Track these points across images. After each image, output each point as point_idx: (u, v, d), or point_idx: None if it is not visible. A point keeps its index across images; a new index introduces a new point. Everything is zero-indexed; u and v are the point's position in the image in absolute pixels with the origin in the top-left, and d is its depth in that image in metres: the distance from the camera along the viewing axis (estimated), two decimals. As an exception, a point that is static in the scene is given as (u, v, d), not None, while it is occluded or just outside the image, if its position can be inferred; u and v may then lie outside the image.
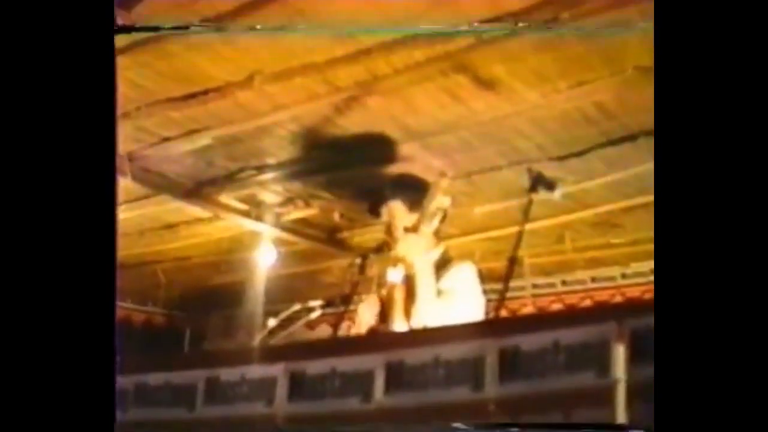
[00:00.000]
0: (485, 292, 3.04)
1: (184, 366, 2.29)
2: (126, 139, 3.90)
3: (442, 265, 3.07)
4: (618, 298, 5.65)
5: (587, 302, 5.82)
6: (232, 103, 3.62)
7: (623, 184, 4.34)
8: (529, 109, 3.62)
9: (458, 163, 4.17)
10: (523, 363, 1.69)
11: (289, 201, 4.84)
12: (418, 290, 2.94)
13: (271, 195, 4.77)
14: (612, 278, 5.79)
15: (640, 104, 3.27)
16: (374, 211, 3.23)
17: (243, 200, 4.83)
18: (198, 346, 7.11)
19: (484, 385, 1.72)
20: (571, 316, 2.29)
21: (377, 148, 4.02)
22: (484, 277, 3.09)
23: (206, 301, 6.93)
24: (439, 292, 2.97)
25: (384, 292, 3.14)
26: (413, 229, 3.01)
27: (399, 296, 3.00)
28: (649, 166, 3.15)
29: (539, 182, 2.89)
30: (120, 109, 3.50)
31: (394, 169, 4.08)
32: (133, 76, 3.36)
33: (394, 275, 3.01)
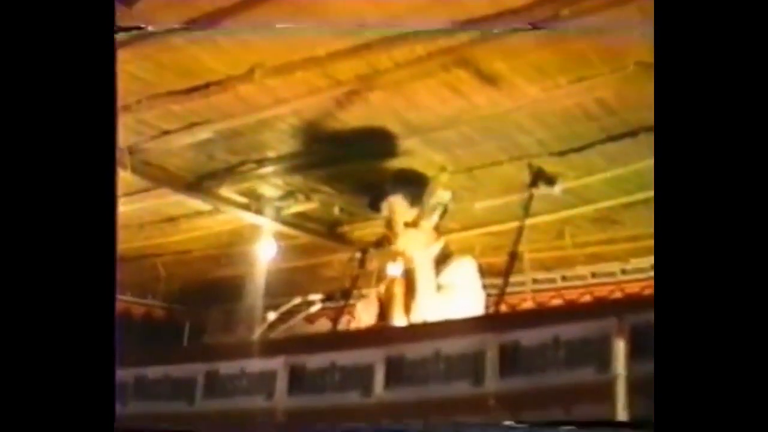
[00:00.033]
0: (485, 287, 3.04)
1: (184, 359, 2.29)
2: (126, 131, 3.90)
3: (442, 260, 3.07)
4: (618, 294, 5.65)
5: (587, 298, 5.82)
6: (233, 96, 3.61)
7: (623, 180, 4.34)
8: (530, 104, 3.62)
9: (459, 158, 4.17)
10: (524, 358, 1.69)
11: (289, 195, 4.84)
12: (418, 285, 2.95)
13: (271, 189, 4.76)
14: (612, 274, 5.79)
15: (641, 100, 3.27)
16: (375, 206, 3.24)
17: (243, 194, 4.82)
18: (198, 340, 7.11)
19: (484, 380, 1.72)
20: (572, 312, 2.29)
21: (378, 142, 4.02)
22: (484, 272, 3.09)
23: (206, 294, 6.93)
24: (439, 287, 2.98)
25: (382, 290, 3.15)
26: (413, 223, 3.01)
27: (399, 291, 3.01)
28: (650, 162, 3.17)
29: (540, 177, 2.89)
30: (120, 101, 3.50)
31: (395, 163, 4.09)
32: (134, 68, 3.36)
33: (394, 270, 3.02)
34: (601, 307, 2.43)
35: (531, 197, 2.87)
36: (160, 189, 4.64)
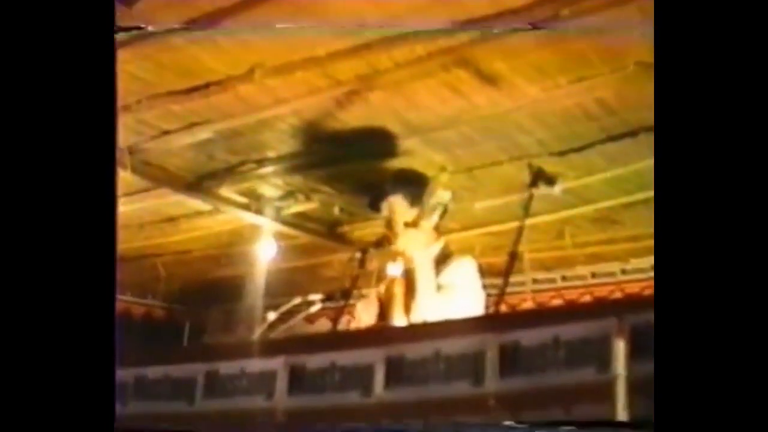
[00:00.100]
0: (485, 287, 3.04)
1: (184, 359, 2.29)
2: (126, 131, 3.90)
3: (442, 260, 3.07)
4: (617, 294, 5.65)
5: (587, 298, 5.82)
6: (233, 96, 3.61)
7: (623, 180, 4.34)
8: (530, 104, 3.62)
9: (459, 158, 4.17)
10: (524, 358, 1.69)
11: (289, 195, 4.84)
12: (418, 285, 2.95)
13: (271, 188, 4.76)
14: (612, 274, 5.79)
15: (641, 100, 3.27)
16: (375, 206, 3.24)
17: (243, 194, 4.82)
18: (198, 340, 7.11)
19: (484, 380, 1.72)
20: (572, 312, 2.29)
21: (378, 142, 4.02)
22: (484, 272, 3.09)
23: (206, 294, 6.93)
24: (439, 287, 2.97)
25: (382, 290, 3.15)
26: (413, 223, 3.01)
27: (399, 291, 3.01)
28: (650, 162, 3.17)
29: (540, 177, 2.89)
30: (120, 101, 3.50)
31: (395, 163, 4.09)
32: (134, 68, 3.36)
33: (394, 270, 3.02)
34: (601, 307, 2.43)
35: (531, 197, 2.87)
36: (160, 189, 4.64)
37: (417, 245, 3.01)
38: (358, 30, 3.06)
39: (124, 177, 4.09)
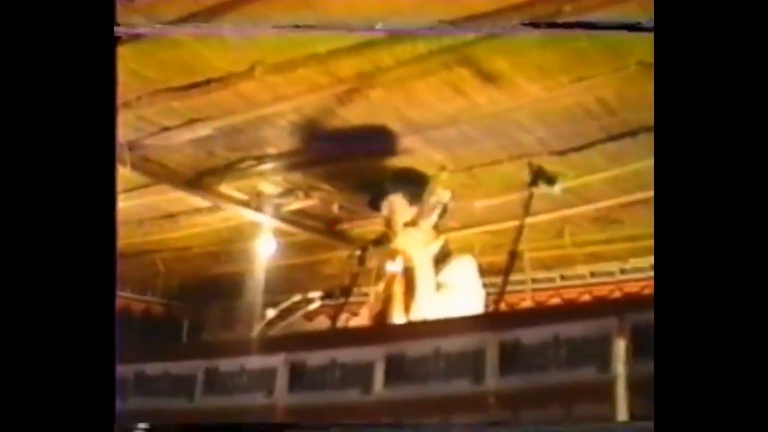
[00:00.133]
0: (485, 285, 3.04)
1: (184, 356, 2.29)
2: (126, 128, 3.89)
3: (441, 259, 3.07)
4: (616, 294, 5.65)
5: (586, 297, 5.82)
6: (233, 93, 3.61)
7: (623, 180, 4.34)
8: (531, 103, 3.62)
9: (459, 157, 4.17)
10: (524, 357, 1.69)
11: (289, 192, 4.84)
12: (418, 283, 2.95)
13: (271, 186, 4.76)
14: (611, 273, 5.79)
15: (641, 100, 3.27)
16: (374, 205, 3.24)
17: (243, 190, 4.82)
18: (197, 337, 7.11)
19: (484, 379, 1.72)
20: (572, 311, 2.30)
21: (378, 140, 4.01)
22: (484, 271, 3.10)
23: (206, 291, 6.93)
24: (439, 286, 2.97)
25: (382, 289, 3.14)
26: (413, 222, 3.01)
27: (398, 289, 3.01)
28: (650, 162, 3.16)
29: (540, 176, 2.89)
30: (120, 98, 3.50)
31: (395, 161, 4.09)
32: (134, 65, 3.35)
33: (394, 268, 3.02)
34: (601, 307, 2.43)
35: (531, 196, 2.87)
36: (159, 185, 4.63)
37: (416, 244, 3.01)
38: (360, 29, 3.05)
39: (124, 173, 4.08)
